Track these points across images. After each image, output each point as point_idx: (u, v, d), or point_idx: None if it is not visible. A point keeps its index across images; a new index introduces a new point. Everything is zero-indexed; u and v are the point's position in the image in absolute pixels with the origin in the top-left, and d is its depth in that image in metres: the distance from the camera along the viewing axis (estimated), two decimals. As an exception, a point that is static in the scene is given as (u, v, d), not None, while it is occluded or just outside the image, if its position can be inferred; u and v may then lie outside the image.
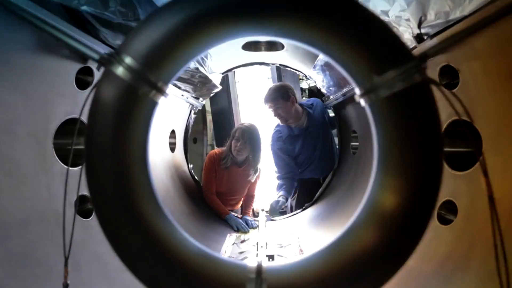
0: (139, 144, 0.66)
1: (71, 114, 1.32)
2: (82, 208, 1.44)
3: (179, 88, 2.58)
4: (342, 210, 2.63)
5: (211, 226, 2.85)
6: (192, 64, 1.76)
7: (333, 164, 3.32)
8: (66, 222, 0.92)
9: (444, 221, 1.28)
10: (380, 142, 0.64)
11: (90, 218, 1.45)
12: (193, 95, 3.07)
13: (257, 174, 3.11)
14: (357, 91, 0.64)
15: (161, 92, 0.68)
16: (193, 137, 5.01)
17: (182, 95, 2.76)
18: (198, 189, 3.33)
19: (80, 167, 0.72)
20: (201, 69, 1.90)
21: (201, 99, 3.33)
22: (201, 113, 4.87)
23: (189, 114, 3.42)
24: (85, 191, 1.46)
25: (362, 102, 0.64)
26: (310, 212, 3.20)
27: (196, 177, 3.40)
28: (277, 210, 3.00)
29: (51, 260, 1.19)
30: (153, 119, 0.67)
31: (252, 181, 3.10)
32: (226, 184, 3.04)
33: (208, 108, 4.88)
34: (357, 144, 2.98)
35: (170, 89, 2.51)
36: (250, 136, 2.78)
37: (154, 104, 0.67)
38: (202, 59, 2.08)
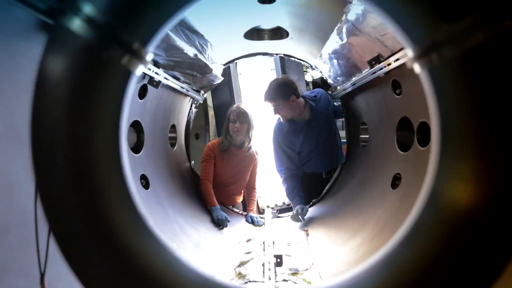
0: (107, 132, 0.46)
1: None
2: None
3: (178, 79, 2.42)
4: (353, 205, 2.47)
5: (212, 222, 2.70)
6: (191, 51, 1.59)
7: (336, 157, 3.16)
8: (41, 229, 0.75)
9: None
10: (445, 117, 0.45)
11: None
12: (194, 88, 2.91)
13: (255, 158, 3.15)
14: (411, 53, 0.46)
15: (139, 57, 0.46)
16: (195, 132, 4.88)
17: (182, 87, 2.59)
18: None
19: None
20: (200, 56, 1.73)
21: (202, 92, 3.17)
22: (203, 108, 4.74)
23: (190, 108, 3.26)
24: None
25: (417, 67, 0.46)
26: (317, 208, 3.06)
27: (198, 174, 3.26)
28: (302, 218, 2.80)
29: (35, 271, 1.04)
30: (128, 96, 0.46)
31: (251, 163, 3.14)
32: (227, 169, 3.04)
33: (210, 103, 4.75)
34: (367, 136, 2.80)
35: (169, 81, 2.38)
36: (245, 116, 2.96)
37: (128, 75, 0.46)
38: (202, 46, 1.91)
